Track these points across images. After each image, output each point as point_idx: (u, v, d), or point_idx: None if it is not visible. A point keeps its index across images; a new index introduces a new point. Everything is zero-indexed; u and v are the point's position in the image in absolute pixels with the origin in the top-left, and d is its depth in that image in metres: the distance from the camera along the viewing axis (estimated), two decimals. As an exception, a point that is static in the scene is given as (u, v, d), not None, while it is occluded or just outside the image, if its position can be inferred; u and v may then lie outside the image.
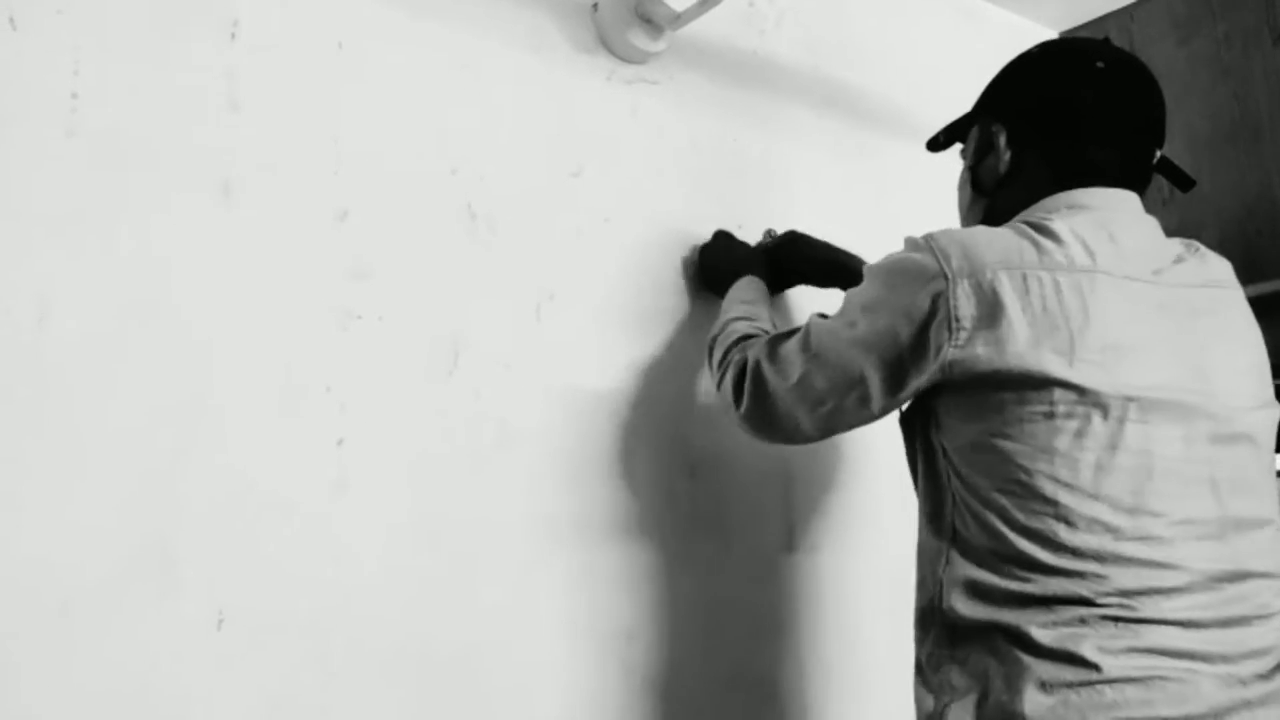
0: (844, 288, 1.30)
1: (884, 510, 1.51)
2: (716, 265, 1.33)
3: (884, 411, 0.99)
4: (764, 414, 1.04)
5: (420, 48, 1.18)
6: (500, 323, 1.19)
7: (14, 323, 0.89)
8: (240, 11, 1.05)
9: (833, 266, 1.32)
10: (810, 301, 1.45)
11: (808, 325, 1.02)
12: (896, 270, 0.93)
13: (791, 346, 1.02)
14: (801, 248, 1.35)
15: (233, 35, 1.04)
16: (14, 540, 0.87)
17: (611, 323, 1.29)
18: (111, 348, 0.94)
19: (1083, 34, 2.06)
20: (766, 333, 1.13)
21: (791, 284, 1.40)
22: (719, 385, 1.13)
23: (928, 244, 0.91)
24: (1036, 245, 0.88)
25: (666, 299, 1.35)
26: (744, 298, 1.23)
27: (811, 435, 1.05)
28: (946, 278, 0.88)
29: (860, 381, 0.95)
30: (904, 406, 1.06)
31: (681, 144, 1.41)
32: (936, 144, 1.15)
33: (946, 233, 0.92)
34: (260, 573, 0.98)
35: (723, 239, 1.36)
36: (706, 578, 1.31)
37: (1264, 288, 1.58)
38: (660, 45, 1.36)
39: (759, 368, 1.04)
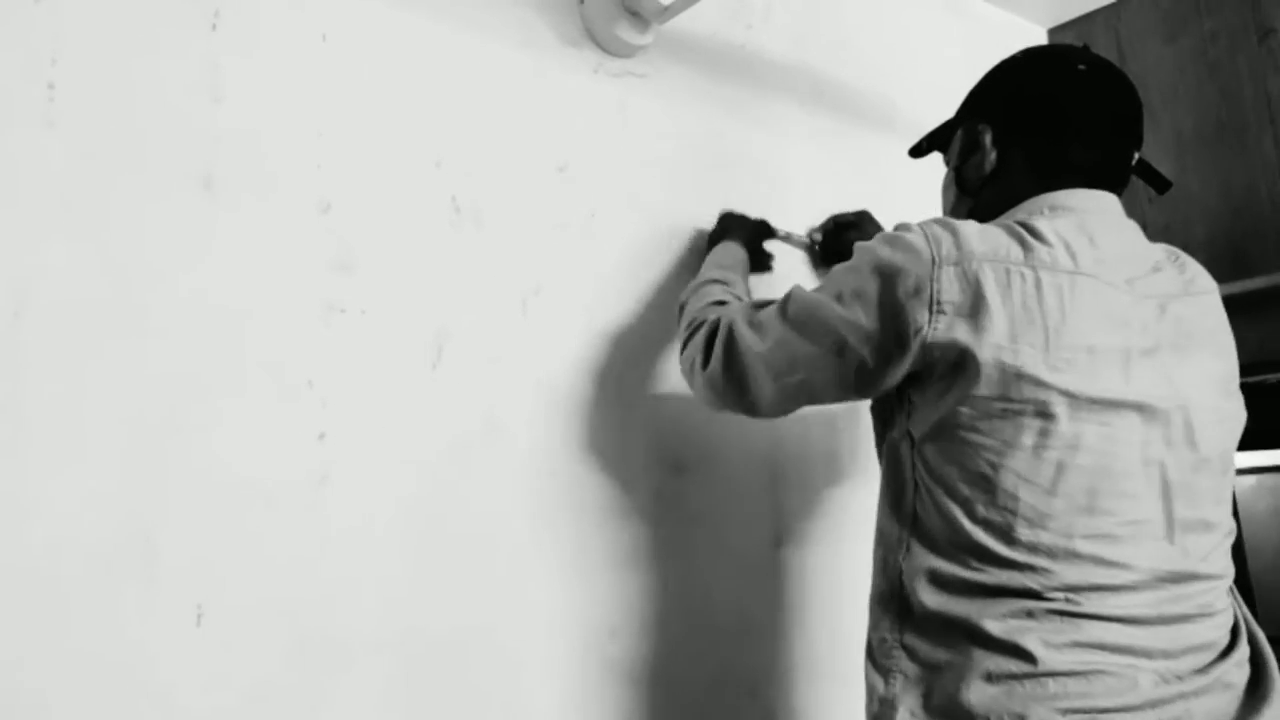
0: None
1: (871, 507, 1.50)
2: (712, 234, 1.38)
3: (860, 389, 0.97)
4: (729, 377, 1.03)
5: (405, 40, 1.17)
6: (486, 317, 1.18)
7: (-10, 315, 0.88)
8: (221, 1, 1.04)
9: None
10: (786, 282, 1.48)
11: (789, 294, 1.01)
12: (887, 246, 0.93)
13: (770, 312, 1.01)
14: (867, 225, 1.43)
15: (214, 26, 1.03)
16: (-10, 535, 0.86)
17: (598, 317, 1.29)
18: (91, 341, 0.93)
19: (1070, 30, 2.07)
20: (741, 299, 1.14)
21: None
22: (685, 343, 1.12)
23: (920, 228, 0.92)
24: (1023, 243, 0.89)
25: (653, 293, 1.34)
26: (721, 262, 1.25)
27: (769, 406, 1.03)
28: (934, 260, 0.88)
29: (837, 353, 0.94)
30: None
31: (669, 137, 1.40)
32: (919, 150, 1.17)
33: (940, 220, 0.93)
34: (240, 567, 0.97)
35: (724, 217, 1.40)
36: (692, 574, 1.31)
37: (1249, 284, 1.59)
38: (647, 38, 1.35)
39: (733, 329, 1.03)
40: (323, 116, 1.09)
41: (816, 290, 0.98)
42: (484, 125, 1.22)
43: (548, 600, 1.18)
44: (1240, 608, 0.94)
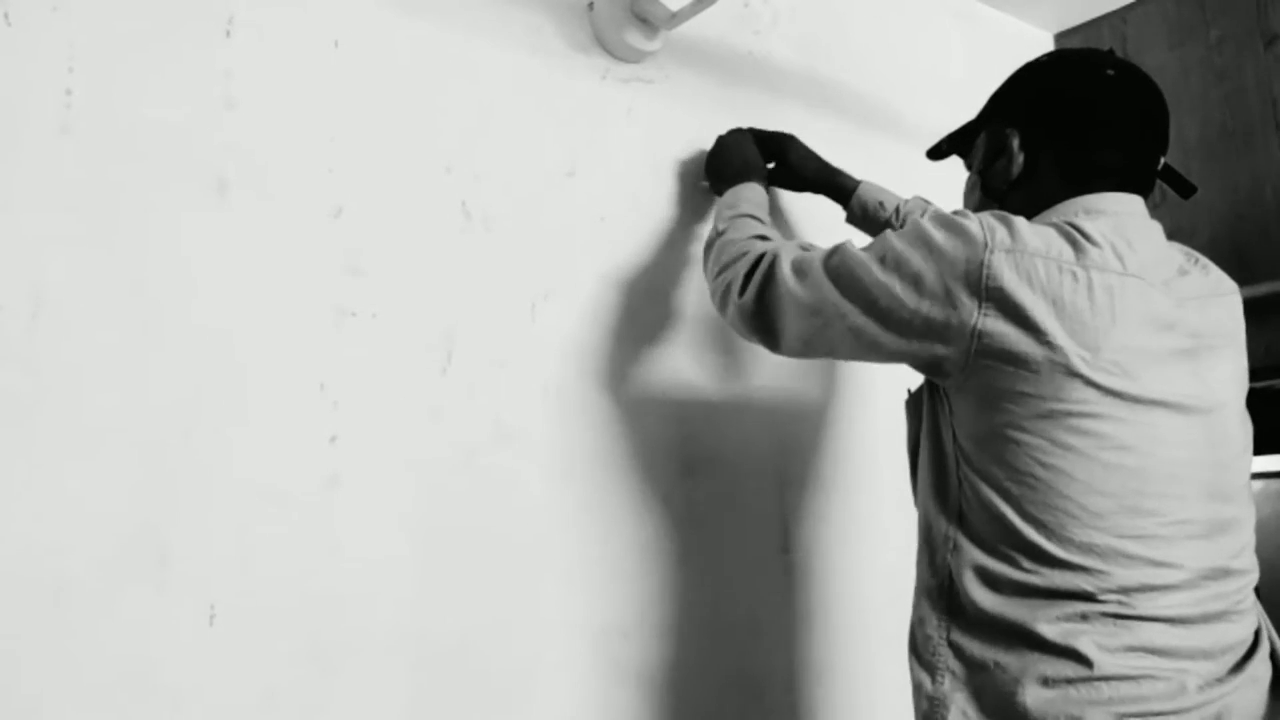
0: (833, 198, 1.37)
1: (879, 511, 1.51)
2: (727, 161, 1.33)
3: (875, 353, 0.96)
4: (760, 308, 1.03)
5: (416, 46, 1.18)
6: (495, 321, 1.19)
7: (8, 317, 0.89)
8: (236, 9, 1.05)
9: (824, 173, 1.37)
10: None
11: (839, 245, 1.00)
12: (944, 226, 0.92)
13: (814, 257, 1.01)
14: (797, 148, 1.37)
15: (228, 33, 1.04)
16: (7, 533, 0.87)
17: (606, 321, 1.29)
18: (105, 344, 0.94)
19: (1076, 36, 2.07)
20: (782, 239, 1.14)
21: (776, 182, 1.40)
22: (722, 268, 1.11)
23: (976, 217, 0.91)
24: (1074, 244, 0.89)
25: (661, 298, 1.35)
26: (754, 199, 1.23)
27: (789, 346, 1.04)
28: (988, 246, 0.88)
29: (864, 312, 0.94)
30: (913, 389, 1.07)
31: (676, 143, 1.41)
32: (939, 152, 1.16)
33: (996, 212, 0.93)
34: (252, 568, 0.98)
35: (742, 137, 1.36)
36: (701, 577, 1.32)
37: (1255, 290, 1.59)
38: (656, 44, 1.36)
39: (776, 264, 1.03)
40: (334, 122, 1.10)
41: (868, 249, 0.98)
42: (494, 131, 1.23)
43: (558, 602, 1.18)
44: (1256, 605, 0.96)
